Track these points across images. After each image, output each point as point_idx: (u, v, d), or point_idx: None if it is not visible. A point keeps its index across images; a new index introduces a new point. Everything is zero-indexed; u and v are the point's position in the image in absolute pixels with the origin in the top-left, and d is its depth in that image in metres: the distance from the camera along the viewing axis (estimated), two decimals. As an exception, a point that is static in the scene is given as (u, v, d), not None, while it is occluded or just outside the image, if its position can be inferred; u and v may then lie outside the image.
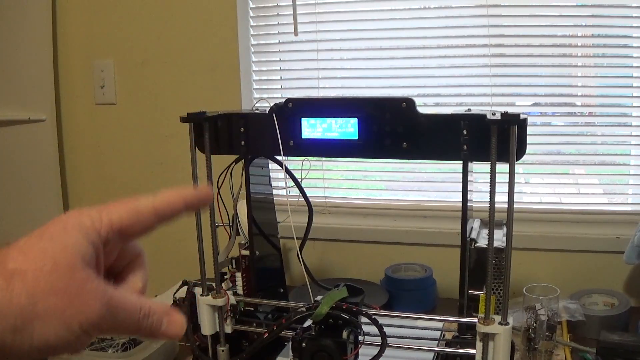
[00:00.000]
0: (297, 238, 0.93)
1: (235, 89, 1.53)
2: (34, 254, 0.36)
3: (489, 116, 0.76)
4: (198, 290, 0.94)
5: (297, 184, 1.01)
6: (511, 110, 0.74)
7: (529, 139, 0.76)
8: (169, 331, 0.40)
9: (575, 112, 1.39)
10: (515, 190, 0.73)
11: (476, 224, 0.97)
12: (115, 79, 1.64)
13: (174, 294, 0.99)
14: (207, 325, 0.93)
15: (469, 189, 0.84)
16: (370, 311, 0.83)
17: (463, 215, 0.85)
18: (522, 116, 0.74)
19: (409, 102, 0.80)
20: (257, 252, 1.02)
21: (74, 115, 1.70)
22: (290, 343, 0.85)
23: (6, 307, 0.35)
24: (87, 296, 0.36)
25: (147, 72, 1.60)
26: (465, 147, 0.80)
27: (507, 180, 0.73)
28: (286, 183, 0.98)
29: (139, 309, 0.38)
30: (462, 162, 0.82)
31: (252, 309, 1.00)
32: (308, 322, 0.84)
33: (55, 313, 0.35)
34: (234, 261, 1.04)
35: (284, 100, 0.89)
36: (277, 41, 1.53)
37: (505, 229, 0.79)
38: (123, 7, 1.58)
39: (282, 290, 1.11)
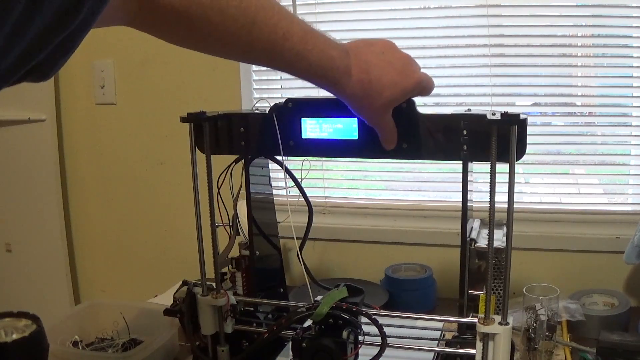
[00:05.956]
0: (297, 238, 0.93)
1: (235, 89, 1.53)
2: (385, 79, 0.74)
3: (489, 116, 0.76)
4: (198, 290, 0.94)
5: (297, 184, 1.01)
6: (511, 110, 0.74)
7: (529, 139, 0.76)
8: (385, 147, 0.82)
9: (575, 112, 1.39)
10: (515, 190, 0.73)
11: (476, 224, 0.97)
12: (115, 79, 1.64)
13: (174, 294, 0.99)
14: (207, 325, 0.93)
15: (469, 189, 0.84)
16: (370, 311, 0.83)
17: (463, 215, 0.85)
18: (522, 116, 0.74)
19: (409, 102, 0.80)
20: (257, 252, 1.02)
21: (74, 115, 1.70)
22: (290, 343, 0.85)
23: (346, 78, 0.72)
24: (379, 115, 0.77)
25: (147, 72, 1.60)
26: (465, 147, 0.80)
27: (507, 180, 0.73)
28: (286, 183, 0.97)
29: (385, 133, 0.80)
30: (462, 162, 0.82)
31: (252, 309, 1.00)
32: (308, 322, 0.84)
33: (363, 103, 0.75)
34: (234, 261, 1.04)
35: (284, 100, 0.89)
36: (277, 41, 1.53)
37: (505, 229, 0.79)
38: (123, 7, 1.58)
39: (282, 290, 1.10)
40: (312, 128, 0.87)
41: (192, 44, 0.66)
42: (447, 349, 0.86)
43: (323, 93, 0.80)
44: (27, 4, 0.34)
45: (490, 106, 1.39)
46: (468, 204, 0.85)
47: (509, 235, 0.76)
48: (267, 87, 1.62)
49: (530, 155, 1.39)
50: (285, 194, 0.99)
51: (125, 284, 1.74)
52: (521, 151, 0.75)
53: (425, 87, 0.78)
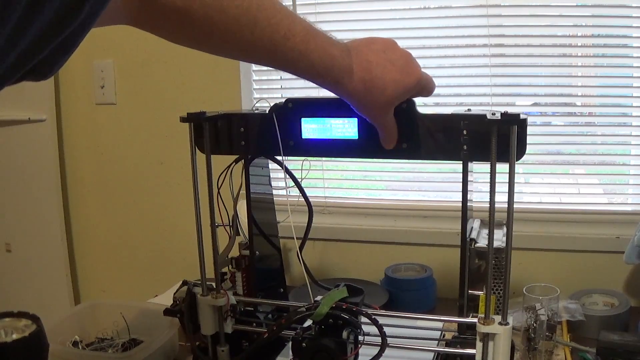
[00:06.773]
0: (297, 238, 0.93)
1: (235, 89, 1.53)
2: (386, 77, 0.73)
3: (489, 116, 0.76)
4: (198, 290, 0.94)
5: (297, 184, 1.01)
6: (511, 110, 0.74)
7: (529, 139, 0.76)
8: (385, 146, 0.82)
9: (575, 112, 1.39)
10: (515, 190, 0.73)
11: (476, 224, 0.97)
12: (115, 79, 1.64)
13: (174, 294, 0.99)
14: (207, 325, 0.93)
15: (469, 189, 0.84)
16: (370, 311, 0.83)
17: (463, 215, 0.85)
18: (522, 116, 0.74)
19: (409, 103, 0.80)
20: (257, 252, 1.02)
21: (74, 115, 1.70)
22: (290, 343, 0.85)
23: (348, 76, 0.72)
24: (382, 113, 0.77)
25: (147, 72, 1.60)
26: (465, 147, 0.80)
27: (507, 180, 0.73)
28: (286, 183, 0.97)
29: (386, 132, 0.80)
30: (462, 162, 0.82)
31: (252, 309, 1.00)
32: (308, 322, 0.84)
33: (365, 102, 0.74)
34: (234, 261, 1.04)
35: (284, 100, 0.89)
36: (277, 41, 1.53)
37: (505, 229, 0.79)
38: (123, 7, 1.58)
39: (282, 290, 1.10)
40: (312, 128, 0.87)
41: (193, 43, 0.66)
42: (447, 349, 0.86)
43: (323, 93, 0.80)
44: (28, 3, 0.34)
45: (490, 106, 1.39)
46: (468, 204, 0.85)
47: (509, 235, 0.76)
48: (267, 87, 1.62)
49: (530, 155, 1.39)
50: (285, 194, 0.99)
51: (125, 284, 1.74)
52: (521, 151, 0.75)
53: (425, 86, 0.78)
